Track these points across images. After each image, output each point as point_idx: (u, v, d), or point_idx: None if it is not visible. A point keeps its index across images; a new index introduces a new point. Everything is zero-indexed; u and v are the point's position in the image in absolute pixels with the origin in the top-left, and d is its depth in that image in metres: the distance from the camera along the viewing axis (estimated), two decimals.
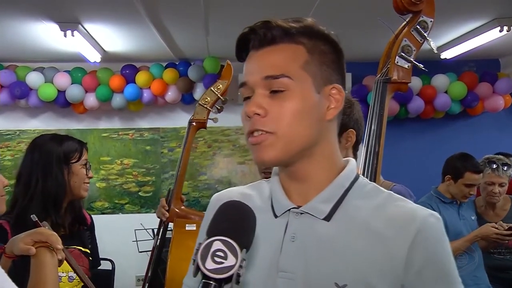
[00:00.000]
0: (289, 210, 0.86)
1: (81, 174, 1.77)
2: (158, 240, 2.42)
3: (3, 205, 1.33)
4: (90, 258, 1.82)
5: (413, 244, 0.78)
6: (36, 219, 1.39)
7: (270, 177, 0.94)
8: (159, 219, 2.41)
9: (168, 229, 2.42)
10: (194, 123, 2.37)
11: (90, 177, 1.82)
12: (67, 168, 1.74)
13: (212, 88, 2.33)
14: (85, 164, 1.80)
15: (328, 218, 0.83)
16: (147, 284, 2.47)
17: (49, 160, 1.71)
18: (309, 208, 0.84)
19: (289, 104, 0.80)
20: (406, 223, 0.80)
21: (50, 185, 1.69)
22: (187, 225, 2.19)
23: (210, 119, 2.38)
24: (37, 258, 1.24)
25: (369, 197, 0.86)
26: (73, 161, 1.76)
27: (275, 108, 0.81)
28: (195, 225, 2.19)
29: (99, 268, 2.03)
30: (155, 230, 4.10)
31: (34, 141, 1.79)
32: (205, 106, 2.33)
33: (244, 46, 0.86)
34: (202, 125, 2.38)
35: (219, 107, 2.38)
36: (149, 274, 2.43)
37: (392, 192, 0.87)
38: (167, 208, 2.31)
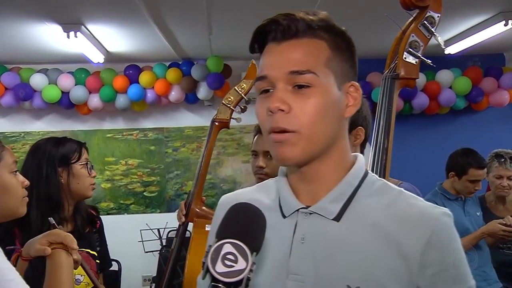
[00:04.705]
0: (297, 210, 0.84)
1: (82, 175, 1.76)
2: (177, 240, 2.40)
3: (24, 207, 1.31)
4: (97, 261, 1.81)
5: (428, 244, 0.77)
6: (54, 222, 1.42)
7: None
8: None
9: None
10: (217, 123, 2.32)
11: (93, 176, 1.81)
12: (67, 169, 1.73)
13: (236, 87, 2.29)
14: (86, 164, 1.78)
15: (337, 218, 0.82)
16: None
17: (40, 163, 1.70)
18: (318, 208, 0.83)
19: (312, 100, 0.78)
20: (419, 222, 0.79)
21: (42, 188, 1.67)
22: (207, 225, 2.14)
23: (233, 118, 2.33)
24: (53, 259, 1.26)
25: (379, 195, 0.84)
26: (73, 161, 1.75)
27: (298, 104, 0.78)
28: None
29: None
30: (161, 230, 4.13)
31: (33, 145, 1.78)
32: (229, 105, 2.28)
33: (260, 38, 0.83)
34: (225, 124, 2.33)
35: (242, 107, 2.33)
36: (167, 274, 2.40)
37: (402, 189, 0.86)
38: (184, 213, 2.28)
